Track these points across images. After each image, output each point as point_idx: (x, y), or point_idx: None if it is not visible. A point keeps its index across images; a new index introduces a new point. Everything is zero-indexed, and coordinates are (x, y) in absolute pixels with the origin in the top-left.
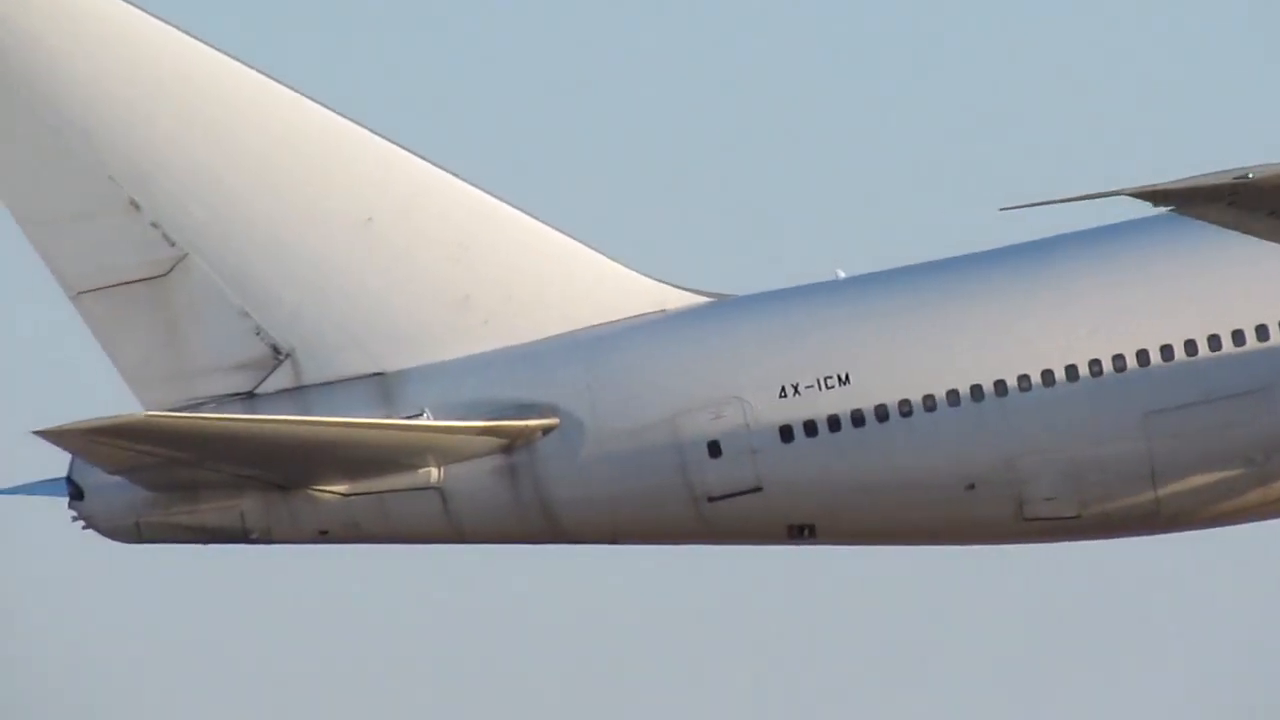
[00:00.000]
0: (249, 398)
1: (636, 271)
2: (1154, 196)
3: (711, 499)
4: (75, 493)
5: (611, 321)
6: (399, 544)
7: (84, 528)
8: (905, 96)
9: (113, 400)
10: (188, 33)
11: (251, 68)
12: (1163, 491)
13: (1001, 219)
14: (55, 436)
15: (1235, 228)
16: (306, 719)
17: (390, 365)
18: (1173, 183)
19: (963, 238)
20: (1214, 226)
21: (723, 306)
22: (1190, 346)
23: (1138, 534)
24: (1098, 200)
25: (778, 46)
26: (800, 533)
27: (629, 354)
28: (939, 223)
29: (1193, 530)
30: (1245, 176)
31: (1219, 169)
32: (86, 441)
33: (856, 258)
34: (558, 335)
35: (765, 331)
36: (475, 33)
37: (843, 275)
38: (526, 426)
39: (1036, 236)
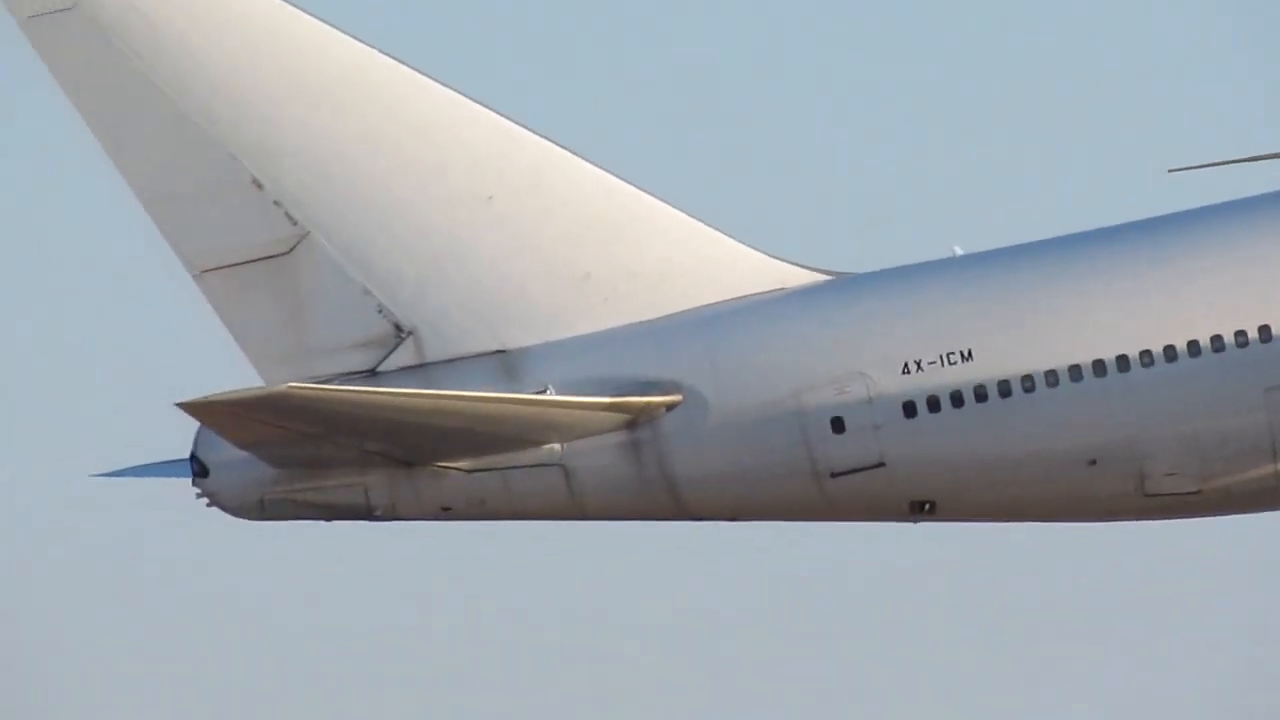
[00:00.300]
0: (371, 375)
1: (755, 249)
2: None
3: (834, 474)
4: (200, 470)
5: (732, 299)
6: (521, 520)
7: (208, 505)
8: (1018, 71)
9: (211, 381)
10: (307, 12)
11: (373, 48)
12: None
13: (1170, 180)
14: (198, 409)
15: None
16: (430, 689)
17: (512, 342)
18: None
19: (1134, 201)
20: None
21: (844, 283)
22: None
23: (1256, 510)
24: (1266, 164)
25: (900, 20)
26: (921, 509)
27: (752, 330)
28: (1107, 186)
29: None
30: None
31: None
32: (227, 414)
33: (971, 235)
34: (680, 312)
35: (888, 307)
36: (592, 15)
37: (959, 252)
38: (651, 402)
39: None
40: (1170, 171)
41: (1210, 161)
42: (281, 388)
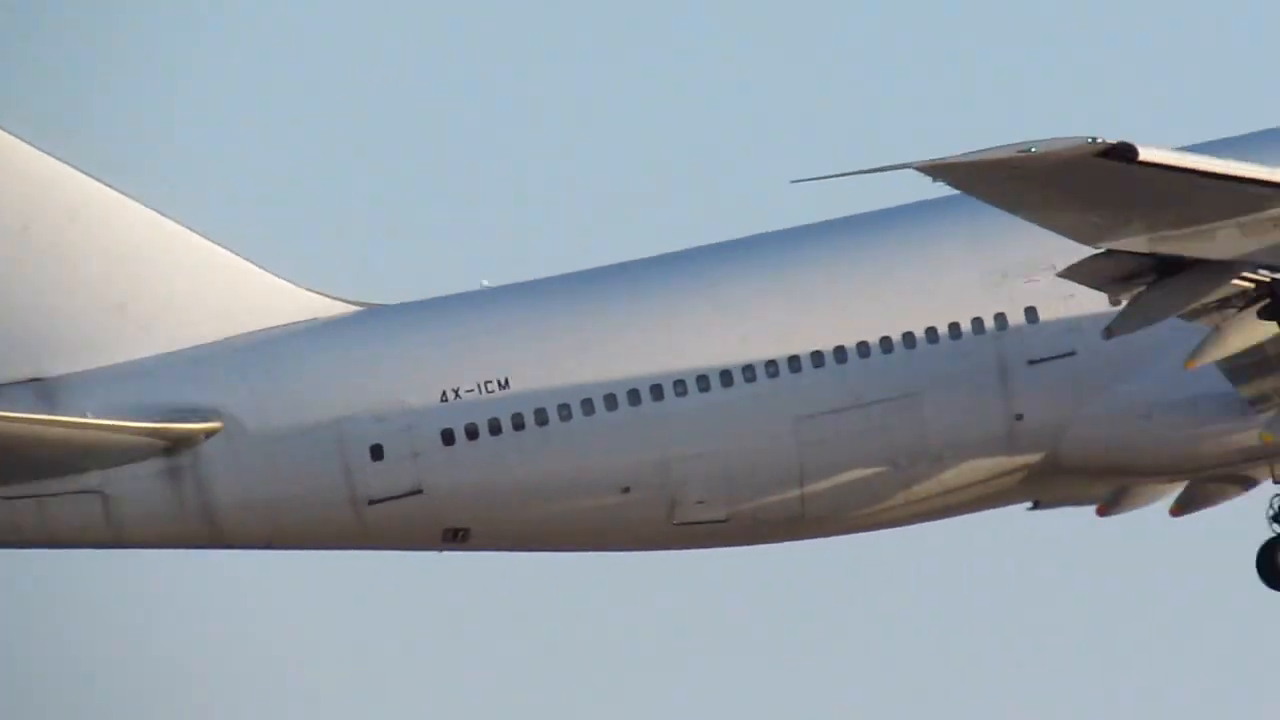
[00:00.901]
0: None
1: (286, 280)
2: (937, 171)
3: (372, 502)
4: None
5: (269, 328)
6: (60, 548)
7: None
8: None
9: None
10: None
11: None
12: (809, 493)
13: (793, 191)
14: None
15: (1016, 208)
16: None
17: (50, 371)
18: (959, 156)
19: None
20: (860, 234)
21: (383, 313)
22: (840, 353)
23: (784, 539)
24: (890, 176)
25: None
26: (455, 536)
27: (292, 359)
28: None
29: (838, 536)
30: (1028, 150)
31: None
32: None
33: (493, 268)
34: (218, 341)
35: (427, 337)
36: (133, 35)
37: (487, 284)
38: (190, 429)
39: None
40: (792, 183)
41: (830, 174)
42: None
